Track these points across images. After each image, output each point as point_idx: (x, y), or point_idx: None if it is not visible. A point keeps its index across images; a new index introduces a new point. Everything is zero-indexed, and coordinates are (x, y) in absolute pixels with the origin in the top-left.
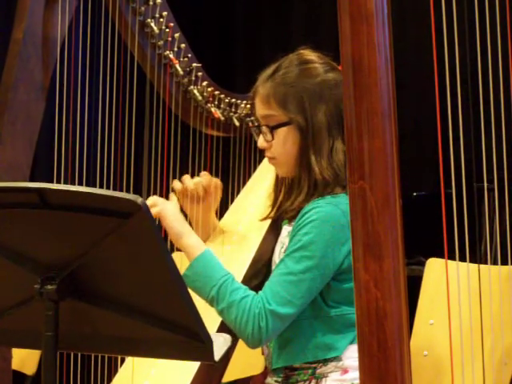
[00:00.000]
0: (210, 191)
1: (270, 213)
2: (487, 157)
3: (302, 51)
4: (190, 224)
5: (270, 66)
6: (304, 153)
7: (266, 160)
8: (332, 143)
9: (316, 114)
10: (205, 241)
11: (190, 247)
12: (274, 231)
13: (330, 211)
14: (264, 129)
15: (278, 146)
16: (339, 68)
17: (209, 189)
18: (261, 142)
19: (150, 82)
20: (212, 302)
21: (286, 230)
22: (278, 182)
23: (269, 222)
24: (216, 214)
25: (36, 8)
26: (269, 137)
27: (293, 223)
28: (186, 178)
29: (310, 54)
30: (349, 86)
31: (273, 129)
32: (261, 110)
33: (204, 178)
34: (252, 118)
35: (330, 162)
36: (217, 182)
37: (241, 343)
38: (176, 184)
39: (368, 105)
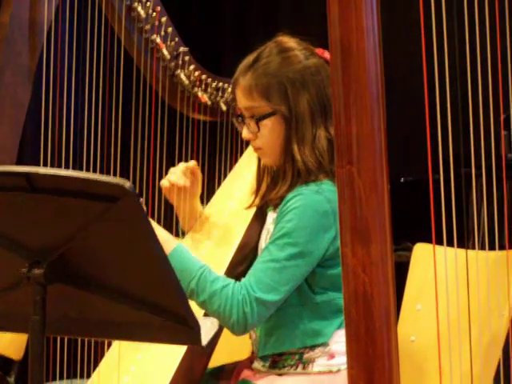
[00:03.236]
0: (191, 179)
1: (254, 201)
2: (475, 142)
3: (280, 38)
4: (177, 215)
5: (249, 55)
6: (288, 142)
7: None
8: (315, 130)
9: (299, 102)
10: (192, 227)
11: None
12: (260, 217)
13: (313, 198)
14: (248, 120)
15: (264, 137)
16: (317, 51)
17: (190, 176)
18: (245, 133)
19: (136, 66)
20: (192, 294)
21: (271, 216)
22: (261, 170)
23: (255, 208)
24: (202, 198)
25: None
26: (254, 128)
27: (277, 210)
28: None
29: (289, 41)
30: (337, 70)
31: (258, 120)
32: (243, 101)
33: (182, 166)
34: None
35: (312, 149)
36: (194, 168)
37: None
38: (164, 183)
39: (356, 89)
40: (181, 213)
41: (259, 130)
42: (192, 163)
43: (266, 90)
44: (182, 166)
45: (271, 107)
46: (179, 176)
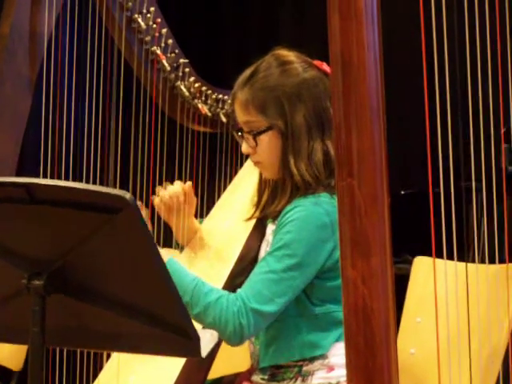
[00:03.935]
0: (186, 198)
1: (254, 213)
2: (475, 156)
3: (278, 51)
4: (175, 234)
5: (246, 69)
6: (285, 156)
7: None
8: (311, 144)
9: (295, 117)
10: (190, 240)
11: None
12: (260, 229)
13: (311, 210)
14: (247, 135)
15: (262, 152)
16: (316, 64)
17: (184, 196)
18: (245, 147)
19: (136, 77)
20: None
21: (271, 228)
22: (262, 182)
23: (255, 219)
24: (202, 210)
25: (23, 3)
26: (252, 143)
27: (276, 222)
28: (160, 189)
29: (288, 55)
30: (337, 83)
31: (255, 135)
32: (241, 116)
33: (176, 186)
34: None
35: (309, 163)
36: (189, 189)
37: None
38: (155, 199)
39: (357, 102)
40: (179, 231)
41: (257, 144)
42: (187, 184)
43: (262, 105)
44: (176, 184)
45: (268, 122)
46: (170, 195)
